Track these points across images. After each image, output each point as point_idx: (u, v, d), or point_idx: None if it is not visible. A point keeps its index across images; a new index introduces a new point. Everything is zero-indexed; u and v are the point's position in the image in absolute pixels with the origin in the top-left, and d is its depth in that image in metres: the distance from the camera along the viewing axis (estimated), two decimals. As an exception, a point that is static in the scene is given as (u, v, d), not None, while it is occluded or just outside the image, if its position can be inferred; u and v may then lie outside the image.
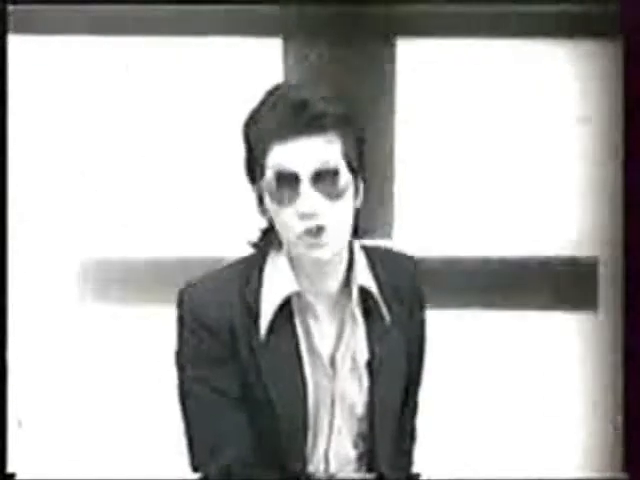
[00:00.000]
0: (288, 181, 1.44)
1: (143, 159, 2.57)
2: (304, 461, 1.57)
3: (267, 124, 1.45)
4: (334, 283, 1.57)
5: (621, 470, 2.52)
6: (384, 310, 1.60)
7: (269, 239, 1.57)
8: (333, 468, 1.62)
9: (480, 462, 2.61)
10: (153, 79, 2.56)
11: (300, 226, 1.45)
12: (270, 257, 1.58)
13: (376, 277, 1.61)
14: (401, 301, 1.65)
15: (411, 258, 1.73)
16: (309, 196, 1.44)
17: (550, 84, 2.63)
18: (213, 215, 2.56)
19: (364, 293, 1.59)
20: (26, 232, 2.54)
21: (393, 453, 1.68)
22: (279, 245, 1.56)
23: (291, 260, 1.55)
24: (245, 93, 2.44)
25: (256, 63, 2.54)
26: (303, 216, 1.44)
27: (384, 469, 1.65)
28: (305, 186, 1.44)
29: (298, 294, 1.54)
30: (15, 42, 2.44)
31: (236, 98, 2.48)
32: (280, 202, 1.46)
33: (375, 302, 1.60)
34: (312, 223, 1.44)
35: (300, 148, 1.44)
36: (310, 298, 1.55)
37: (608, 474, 2.56)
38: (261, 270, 1.57)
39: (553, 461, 2.63)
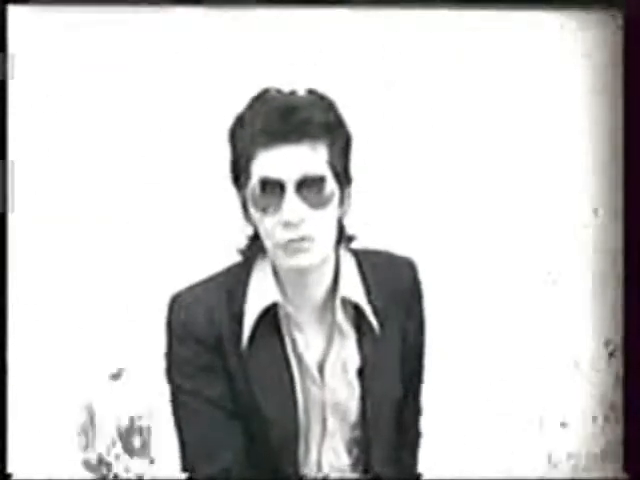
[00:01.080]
0: (272, 189, 1.42)
1: (141, 133, 2.55)
2: (297, 467, 1.57)
3: (253, 130, 1.43)
4: (318, 293, 1.55)
5: (621, 470, 2.52)
6: (372, 319, 1.58)
7: (255, 245, 1.55)
8: (326, 474, 1.61)
9: (479, 462, 2.61)
10: (154, 50, 2.53)
11: (284, 235, 1.43)
12: (256, 265, 1.57)
13: (366, 284, 1.59)
14: (397, 304, 1.63)
15: (408, 260, 1.70)
16: (293, 205, 1.42)
17: (551, 55, 2.61)
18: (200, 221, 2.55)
19: (351, 302, 1.57)
20: (26, 233, 2.53)
21: (389, 457, 1.67)
22: (264, 252, 1.54)
23: (275, 269, 1.54)
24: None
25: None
26: (287, 225, 1.42)
27: (378, 474, 1.64)
28: (290, 194, 1.42)
29: (281, 304, 1.53)
30: (15, 13, 2.44)
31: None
32: (264, 210, 1.44)
33: (363, 311, 1.58)
34: (296, 233, 1.42)
35: (285, 155, 1.42)
36: (293, 308, 1.54)
37: (608, 474, 2.56)
38: (247, 278, 1.56)
39: (553, 461, 2.62)
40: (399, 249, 1.71)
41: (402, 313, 1.64)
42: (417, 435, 1.80)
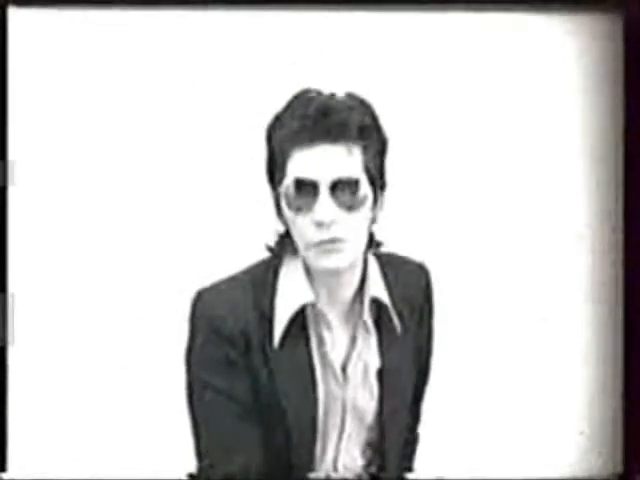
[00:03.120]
0: (306, 189, 1.43)
1: (153, 132, 2.53)
2: (313, 468, 1.57)
3: (289, 129, 1.44)
4: (348, 293, 1.56)
5: (621, 470, 2.53)
6: (396, 320, 1.60)
7: (285, 244, 1.56)
8: (341, 475, 1.62)
9: (479, 462, 2.61)
10: (156, 52, 2.51)
11: (315, 235, 1.44)
12: (285, 263, 1.57)
13: (388, 286, 1.60)
14: (412, 309, 1.65)
15: (422, 266, 1.72)
16: (326, 205, 1.42)
17: (546, 61, 2.61)
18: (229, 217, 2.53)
19: (376, 303, 1.59)
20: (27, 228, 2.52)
21: (400, 459, 1.69)
22: (295, 251, 1.54)
23: (306, 268, 1.54)
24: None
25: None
26: (319, 225, 1.43)
27: (392, 475, 1.65)
28: (323, 195, 1.43)
29: (312, 303, 1.54)
30: (15, 15, 2.43)
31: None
32: (297, 209, 1.45)
33: (387, 312, 1.59)
34: (327, 234, 1.43)
35: (321, 156, 1.43)
36: (324, 308, 1.55)
37: (608, 473, 2.57)
38: (276, 276, 1.56)
39: (553, 461, 2.63)
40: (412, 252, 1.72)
41: (417, 316, 1.66)
42: (415, 438, 1.82)
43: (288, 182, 1.45)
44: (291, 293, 1.53)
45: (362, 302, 1.57)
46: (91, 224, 2.52)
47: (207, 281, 1.59)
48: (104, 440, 2.55)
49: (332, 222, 1.42)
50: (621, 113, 2.55)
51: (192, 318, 1.56)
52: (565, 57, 2.61)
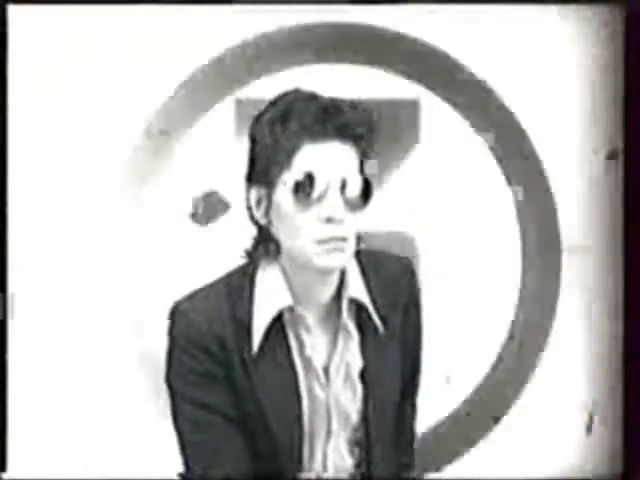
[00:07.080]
0: (315, 184, 1.41)
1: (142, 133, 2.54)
2: (302, 470, 1.56)
3: (299, 122, 1.41)
4: (326, 294, 1.54)
5: (621, 470, 2.52)
6: (377, 320, 1.58)
7: (262, 247, 1.54)
8: (331, 476, 1.61)
9: (479, 462, 2.61)
10: (155, 49, 2.52)
11: (323, 231, 1.42)
12: (261, 268, 1.55)
13: (368, 285, 1.58)
14: (396, 305, 1.63)
15: (406, 260, 1.69)
16: (336, 202, 1.41)
17: (546, 53, 2.60)
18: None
19: (356, 303, 1.57)
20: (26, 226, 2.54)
21: (389, 457, 1.68)
22: (274, 255, 1.52)
23: (284, 271, 1.52)
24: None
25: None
26: (329, 221, 1.41)
27: (380, 474, 1.64)
28: (333, 191, 1.42)
29: (290, 307, 1.52)
30: (15, 12, 2.44)
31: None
32: (301, 204, 1.42)
33: (367, 312, 1.57)
34: (336, 231, 1.42)
35: (331, 152, 1.42)
36: (302, 311, 1.53)
37: (607, 474, 2.56)
38: (252, 282, 1.53)
39: (552, 461, 2.62)
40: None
41: (401, 314, 1.64)
42: (412, 435, 1.79)
43: (293, 175, 1.42)
44: (268, 298, 1.51)
45: (341, 303, 1.55)
46: (83, 235, 2.54)
47: (183, 291, 1.57)
48: (103, 440, 2.56)
49: (341, 220, 1.41)
50: (620, 105, 2.54)
51: (170, 333, 1.54)
52: (567, 49, 2.60)
